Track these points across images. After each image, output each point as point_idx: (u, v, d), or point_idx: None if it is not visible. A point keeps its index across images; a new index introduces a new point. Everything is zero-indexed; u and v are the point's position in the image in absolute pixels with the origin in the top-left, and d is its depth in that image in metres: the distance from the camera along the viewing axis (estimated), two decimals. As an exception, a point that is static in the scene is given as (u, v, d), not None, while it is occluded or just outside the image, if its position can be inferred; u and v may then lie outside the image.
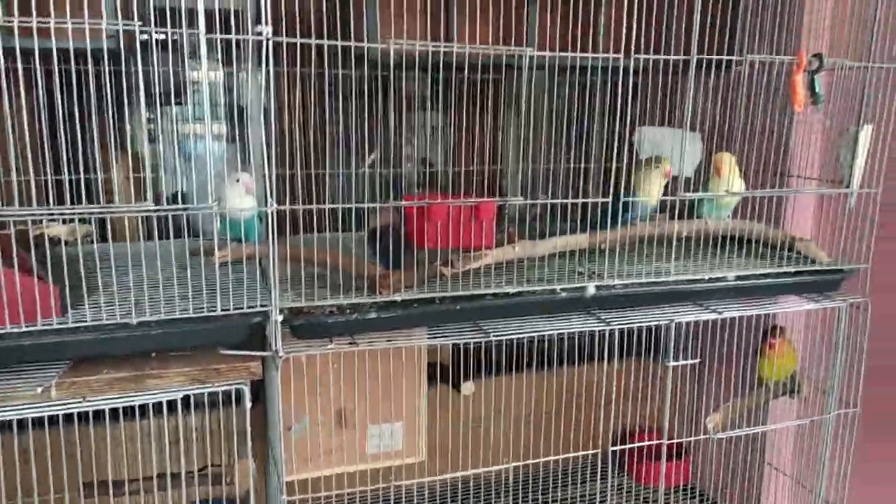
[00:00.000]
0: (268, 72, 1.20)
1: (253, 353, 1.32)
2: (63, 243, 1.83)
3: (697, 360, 1.66)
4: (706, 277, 1.64)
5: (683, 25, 1.53)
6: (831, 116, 1.80)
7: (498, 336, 1.48)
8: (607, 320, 1.60)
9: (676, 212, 1.80)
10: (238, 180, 1.51)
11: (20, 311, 1.19)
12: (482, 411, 2.13)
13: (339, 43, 1.31)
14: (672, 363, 1.64)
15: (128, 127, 1.86)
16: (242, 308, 1.30)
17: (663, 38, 1.52)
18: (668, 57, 1.52)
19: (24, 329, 1.18)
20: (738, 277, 1.67)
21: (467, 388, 2.06)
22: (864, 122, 1.69)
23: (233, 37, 1.20)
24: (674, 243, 1.66)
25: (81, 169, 1.69)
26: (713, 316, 1.66)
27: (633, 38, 1.47)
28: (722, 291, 1.68)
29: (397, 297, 1.40)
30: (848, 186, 1.74)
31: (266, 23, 1.19)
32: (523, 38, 2.03)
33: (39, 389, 1.18)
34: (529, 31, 2.00)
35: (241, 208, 1.50)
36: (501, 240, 1.62)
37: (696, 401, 2.07)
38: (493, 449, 2.14)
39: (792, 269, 1.72)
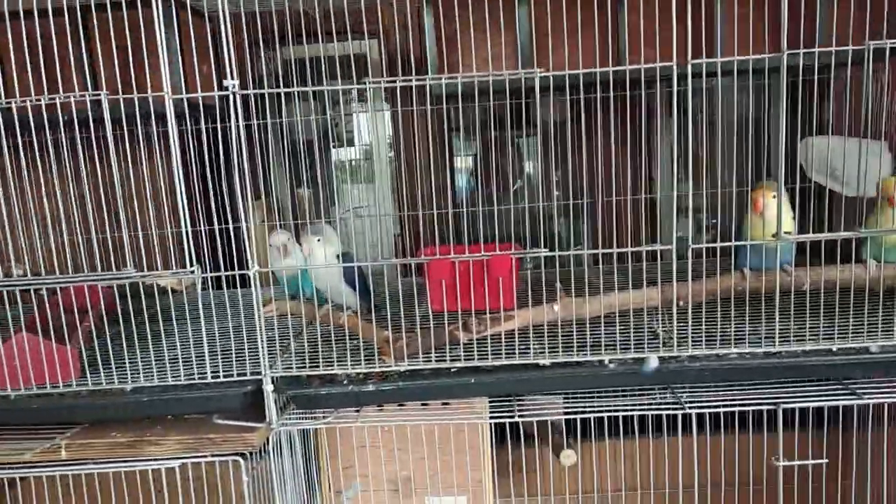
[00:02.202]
0: (237, 126, 1.14)
1: (244, 424, 1.25)
2: (171, 292, 1.98)
3: (823, 461, 1.22)
4: (834, 349, 1.21)
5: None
6: None
7: (524, 417, 1.23)
8: (684, 399, 1.25)
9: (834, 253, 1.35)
10: (271, 244, 1.48)
11: (45, 372, 1.27)
12: (581, 485, 1.82)
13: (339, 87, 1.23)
14: (782, 463, 1.23)
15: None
16: (233, 376, 1.24)
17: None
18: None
19: (43, 391, 1.26)
20: (885, 349, 1.20)
21: (568, 457, 1.77)
22: None
23: (199, 94, 1.16)
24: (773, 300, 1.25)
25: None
26: (849, 400, 1.21)
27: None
28: (868, 366, 1.23)
29: (400, 367, 1.24)
30: None
31: (232, 77, 1.14)
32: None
33: (48, 445, 1.25)
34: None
35: (274, 268, 1.46)
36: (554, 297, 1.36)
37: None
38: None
39: None
